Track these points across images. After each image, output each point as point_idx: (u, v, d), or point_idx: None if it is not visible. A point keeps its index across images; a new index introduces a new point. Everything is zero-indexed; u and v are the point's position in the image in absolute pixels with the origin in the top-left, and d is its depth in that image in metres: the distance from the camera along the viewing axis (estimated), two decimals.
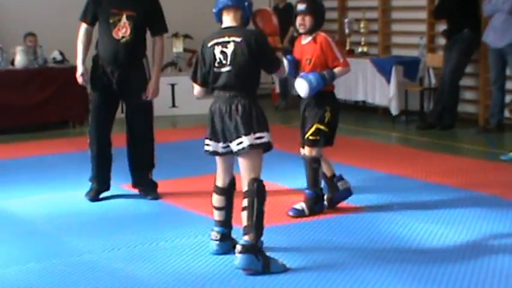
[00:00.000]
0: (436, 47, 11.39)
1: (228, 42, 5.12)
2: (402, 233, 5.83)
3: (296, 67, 6.24)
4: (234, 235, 5.47)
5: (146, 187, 7.03)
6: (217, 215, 5.43)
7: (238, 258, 5.00)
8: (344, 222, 6.12)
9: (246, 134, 5.06)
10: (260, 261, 4.98)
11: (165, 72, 12.89)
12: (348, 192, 6.52)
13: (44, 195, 7.17)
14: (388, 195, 6.92)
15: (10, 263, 5.33)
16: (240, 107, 5.09)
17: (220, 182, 5.39)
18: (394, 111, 11.00)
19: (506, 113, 10.00)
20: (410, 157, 8.79)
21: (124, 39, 6.67)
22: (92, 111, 6.96)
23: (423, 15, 11.50)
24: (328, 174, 6.50)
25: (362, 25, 11.97)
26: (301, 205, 6.32)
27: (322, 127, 6.28)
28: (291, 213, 6.26)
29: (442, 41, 10.99)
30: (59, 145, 9.58)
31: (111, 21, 6.68)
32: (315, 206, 6.32)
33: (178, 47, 12.89)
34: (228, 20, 5.22)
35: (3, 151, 9.42)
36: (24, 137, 10.31)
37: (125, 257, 5.40)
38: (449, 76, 10.30)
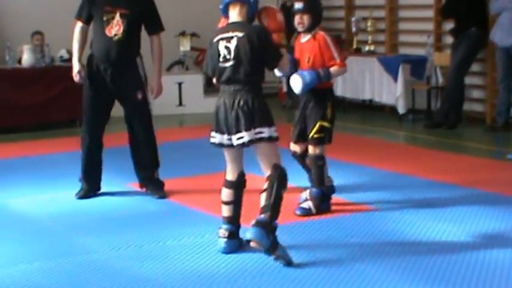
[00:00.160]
0: (444, 46, 11.37)
1: (232, 37, 5.23)
2: (409, 231, 5.83)
3: (295, 66, 6.25)
4: (241, 235, 5.47)
5: (153, 186, 7.04)
6: (225, 210, 5.47)
7: (250, 230, 5.07)
8: (351, 221, 6.11)
9: (247, 129, 5.16)
10: (269, 239, 5.05)
11: (172, 70, 12.91)
12: (331, 190, 6.51)
13: (51, 194, 7.18)
14: (395, 193, 6.92)
15: (17, 261, 5.34)
16: (242, 102, 5.19)
17: (229, 176, 5.47)
18: (401, 109, 10.99)
19: None
20: (417, 156, 8.77)
21: (116, 37, 6.69)
22: (85, 111, 6.95)
23: (430, 13, 11.48)
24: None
25: (369, 24, 11.95)
26: (308, 204, 6.32)
27: (325, 123, 6.30)
28: (298, 212, 6.26)
29: (449, 39, 10.96)
30: (66, 144, 9.58)
31: (104, 18, 6.70)
32: (322, 204, 6.32)
33: (185, 45, 12.89)
34: (234, 14, 5.31)
35: (10, 150, 9.43)
36: (32, 135, 10.33)
37: (132, 255, 5.41)
38: (454, 73, 10.28)
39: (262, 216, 5.12)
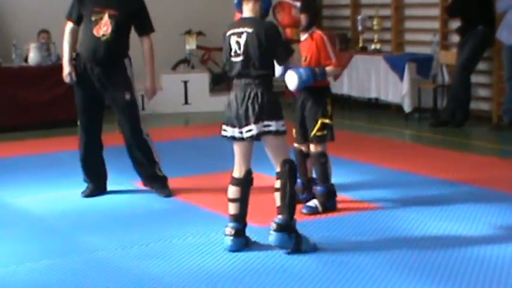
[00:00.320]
0: (450, 44, 11.35)
1: (242, 32, 5.32)
2: (415, 229, 5.82)
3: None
4: (247, 233, 5.48)
5: (157, 185, 7.04)
6: (232, 208, 5.47)
7: (272, 235, 5.23)
8: (357, 219, 6.11)
9: (255, 122, 5.23)
10: (292, 240, 5.22)
11: (178, 69, 12.92)
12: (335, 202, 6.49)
13: (56, 192, 7.19)
14: (400, 191, 6.91)
15: (23, 260, 5.34)
16: (252, 95, 5.27)
17: (236, 173, 5.48)
18: (407, 108, 10.97)
19: None
20: (423, 154, 8.76)
21: (104, 37, 6.67)
22: (78, 112, 6.95)
23: (436, 12, 11.46)
24: (309, 175, 6.52)
25: (375, 22, 11.93)
26: (314, 202, 6.32)
27: (326, 120, 6.30)
28: (304, 211, 6.25)
29: (455, 38, 10.95)
30: (72, 143, 9.50)
31: (93, 19, 6.70)
32: (327, 202, 6.32)
33: (191, 44, 12.89)
34: (247, 10, 5.39)
35: (16, 148, 9.44)
36: (38, 134, 10.33)
37: (138, 254, 5.41)
38: (460, 71, 10.26)
39: (280, 217, 5.24)
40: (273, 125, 5.27)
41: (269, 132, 5.26)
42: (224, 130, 5.46)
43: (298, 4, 6.18)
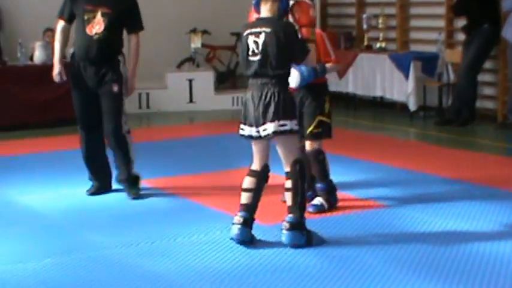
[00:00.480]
0: (455, 43, 11.33)
1: (260, 32, 5.39)
2: (420, 228, 5.82)
3: None
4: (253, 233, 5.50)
5: (126, 182, 6.90)
6: (244, 198, 5.53)
7: (285, 234, 5.35)
8: (362, 218, 6.11)
9: (271, 121, 5.33)
10: (304, 237, 5.36)
11: (183, 67, 12.92)
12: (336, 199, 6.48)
13: (61, 190, 7.20)
14: (406, 190, 6.91)
15: (28, 258, 5.35)
16: (269, 94, 5.35)
17: (254, 166, 5.58)
18: (412, 107, 10.97)
19: None
20: (428, 153, 8.76)
21: (97, 36, 6.66)
22: (76, 112, 6.93)
23: (442, 10, 11.45)
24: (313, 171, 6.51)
25: (380, 21, 11.93)
26: (319, 200, 6.32)
27: (324, 118, 6.29)
28: (311, 210, 6.23)
29: (460, 36, 10.94)
30: (77, 141, 9.57)
31: (85, 17, 6.68)
32: (331, 197, 6.33)
33: (196, 42, 12.90)
34: (265, 10, 5.47)
35: (22, 146, 9.45)
36: (43, 132, 10.35)
37: (143, 252, 5.41)
38: (467, 71, 10.25)
39: (292, 216, 5.35)
40: (288, 124, 5.35)
41: (284, 132, 5.34)
42: (241, 129, 5.54)
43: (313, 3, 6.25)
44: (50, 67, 10.73)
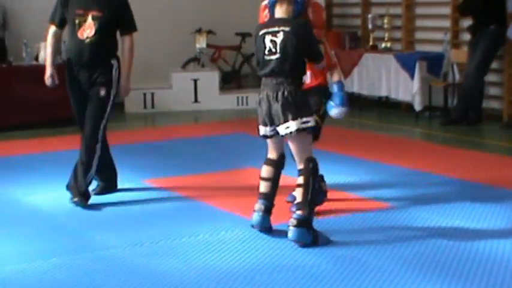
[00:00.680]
0: (460, 43, 11.32)
1: (278, 31, 5.46)
2: (426, 228, 5.81)
3: None
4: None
5: (74, 186, 6.71)
6: (263, 187, 5.69)
7: (291, 231, 5.38)
8: (367, 218, 6.10)
9: (294, 119, 5.39)
10: (310, 235, 5.38)
11: (188, 67, 12.93)
12: (325, 196, 6.41)
13: (66, 190, 7.19)
14: (411, 190, 6.91)
15: (34, 257, 5.35)
16: (286, 93, 5.40)
17: (271, 155, 5.73)
18: (418, 106, 10.95)
19: None
20: (433, 153, 8.75)
21: (88, 40, 6.61)
22: (74, 115, 6.90)
23: (447, 10, 11.43)
24: None
25: (385, 21, 11.92)
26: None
27: (317, 119, 6.21)
28: (294, 209, 6.15)
29: (466, 36, 10.92)
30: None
31: (76, 21, 6.64)
32: (317, 196, 6.23)
33: (201, 42, 12.90)
34: (280, 11, 5.55)
35: (27, 146, 9.47)
36: (48, 132, 10.36)
37: (148, 252, 5.41)
38: (474, 72, 10.23)
39: (300, 213, 5.38)
40: (311, 121, 5.44)
41: (306, 129, 5.41)
42: (260, 130, 5.63)
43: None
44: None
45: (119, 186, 7.11)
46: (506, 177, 7.40)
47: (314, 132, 6.16)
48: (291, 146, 5.53)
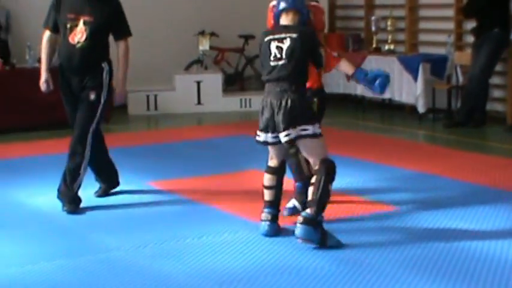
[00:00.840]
0: (464, 45, 11.31)
1: (285, 38, 5.54)
2: (429, 229, 5.80)
3: None
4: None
5: (66, 195, 6.62)
6: (267, 195, 5.76)
7: (298, 228, 5.38)
8: (371, 220, 6.09)
9: (293, 127, 5.43)
10: (318, 234, 5.38)
11: (191, 69, 12.93)
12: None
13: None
14: (415, 192, 6.90)
15: (38, 259, 5.35)
16: (289, 102, 5.44)
17: (271, 163, 5.79)
18: (421, 109, 10.94)
19: None
20: (437, 155, 8.73)
21: (79, 44, 6.55)
22: (68, 119, 6.87)
23: (451, 13, 11.43)
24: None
25: (389, 23, 11.90)
26: (292, 202, 6.23)
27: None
28: (285, 213, 6.12)
29: (469, 38, 10.91)
30: None
31: (68, 26, 6.59)
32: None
33: (204, 44, 12.90)
34: (287, 20, 5.66)
35: (31, 148, 9.47)
36: (51, 134, 10.36)
37: (152, 254, 5.41)
38: (479, 74, 10.21)
39: (308, 211, 5.40)
40: (310, 129, 5.45)
41: (306, 136, 5.45)
42: (258, 135, 5.66)
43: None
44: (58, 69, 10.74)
45: (123, 188, 7.10)
46: (510, 179, 7.39)
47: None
48: (302, 151, 5.59)
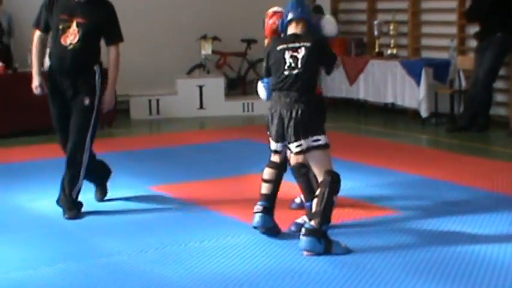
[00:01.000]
0: (467, 49, 11.30)
1: (299, 47, 5.59)
2: (432, 234, 5.79)
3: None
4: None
5: (66, 203, 6.57)
6: (264, 188, 5.79)
7: (302, 240, 5.36)
8: (373, 224, 6.08)
9: (305, 138, 5.46)
10: (322, 244, 5.34)
11: (193, 74, 12.92)
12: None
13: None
14: (417, 197, 6.89)
15: (40, 264, 5.33)
16: (300, 112, 5.47)
17: (274, 158, 5.82)
18: (424, 113, 10.93)
19: None
20: (440, 159, 8.72)
21: (71, 46, 6.46)
22: (54, 125, 6.76)
23: (453, 17, 11.41)
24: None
25: (391, 27, 11.90)
26: (303, 219, 6.02)
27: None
28: (293, 228, 5.96)
29: (472, 43, 10.90)
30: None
31: (60, 27, 6.49)
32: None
33: (206, 49, 12.89)
34: (296, 28, 5.70)
35: (33, 152, 9.46)
36: (54, 138, 10.32)
37: (154, 258, 5.39)
38: (484, 79, 10.19)
39: (312, 223, 5.37)
40: (322, 139, 5.49)
41: (318, 147, 5.47)
42: (271, 144, 5.73)
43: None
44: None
45: (124, 192, 7.09)
46: None
47: None
48: (309, 161, 5.58)
